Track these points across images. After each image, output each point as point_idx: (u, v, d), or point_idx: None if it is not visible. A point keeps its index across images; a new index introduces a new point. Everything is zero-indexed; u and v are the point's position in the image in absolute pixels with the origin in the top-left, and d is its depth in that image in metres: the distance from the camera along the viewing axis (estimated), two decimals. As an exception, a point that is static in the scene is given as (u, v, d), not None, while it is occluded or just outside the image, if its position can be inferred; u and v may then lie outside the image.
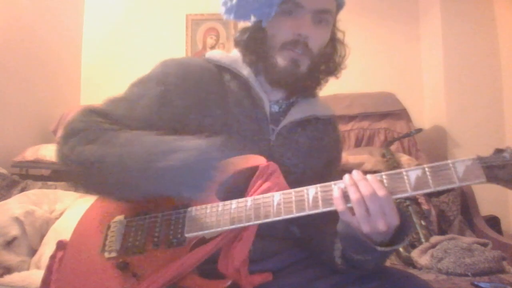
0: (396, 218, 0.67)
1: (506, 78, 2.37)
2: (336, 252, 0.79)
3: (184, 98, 0.85)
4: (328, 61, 0.92)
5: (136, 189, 0.71)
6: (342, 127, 2.35)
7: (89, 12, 2.91)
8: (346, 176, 0.70)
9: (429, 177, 0.67)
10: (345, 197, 0.68)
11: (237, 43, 0.94)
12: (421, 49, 2.72)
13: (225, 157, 0.72)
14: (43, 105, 2.51)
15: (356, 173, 0.69)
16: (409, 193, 0.67)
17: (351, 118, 2.41)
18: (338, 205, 0.68)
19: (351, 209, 0.68)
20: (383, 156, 2.10)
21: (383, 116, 2.41)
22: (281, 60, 0.86)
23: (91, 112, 0.81)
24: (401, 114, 2.42)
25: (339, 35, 0.96)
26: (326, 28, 0.89)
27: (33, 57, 2.41)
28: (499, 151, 0.67)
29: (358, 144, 2.37)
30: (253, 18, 0.90)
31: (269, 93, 0.92)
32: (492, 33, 2.42)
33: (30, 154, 2.15)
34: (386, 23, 2.72)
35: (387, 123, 2.38)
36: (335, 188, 0.69)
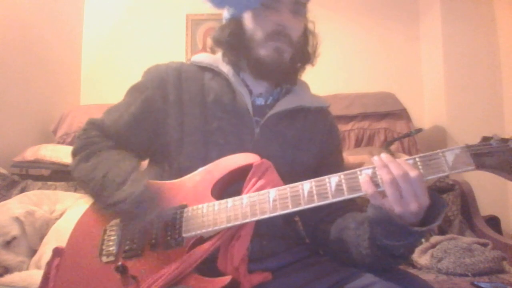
0: (427, 198, 0.68)
1: (506, 78, 2.37)
2: (364, 243, 0.76)
3: (163, 101, 0.92)
4: (303, 50, 0.97)
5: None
6: (342, 127, 2.36)
7: (89, 12, 2.91)
8: (376, 158, 0.71)
9: (420, 167, 0.69)
10: (373, 181, 0.70)
11: (217, 42, 0.97)
12: (421, 49, 2.72)
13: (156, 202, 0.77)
14: (43, 105, 2.51)
15: (385, 156, 0.71)
16: None
17: (351, 118, 2.41)
18: (368, 189, 0.69)
19: (380, 193, 0.69)
20: (383, 156, 2.10)
21: (383, 116, 2.41)
22: (264, 52, 0.90)
23: (92, 125, 0.94)
24: (401, 114, 2.42)
25: (310, 25, 1.00)
26: (302, 19, 0.94)
27: (33, 57, 2.41)
28: (486, 139, 0.69)
29: (358, 144, 2.36)
30: (227, 14, 0.94)
31: (252, 87, 0.95)
32: (492, 33, 2.42)
33: (30, 154, 2.15)
34: (386, 23, 2.72)
35: (387, 123, 2.38)
36: (361, 174, 0.71)
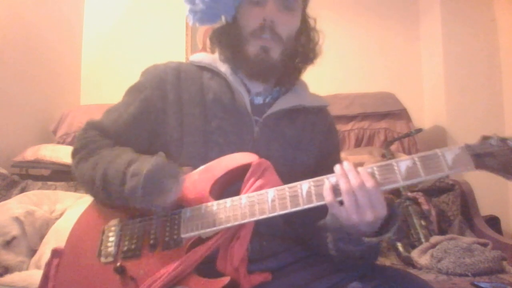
0: (383, 209, 0.69)
1: (506, 78, 2.37)
2: (329, 245, 0.81)
3: (162, 101, 0.92)
4: (304, 49, 0.96)
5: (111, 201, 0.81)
6: (342, 127, 2.36)
7: (89, 12, 2.91)
8: (337, 167, 0.72)
9: (419, 167, 0.68)
10: (335, 189, 0.70)
11: (212, 41, 0.98)
12: (421, 49, 2.72)
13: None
14: (43, 105, 2.51)
15: (346, 164, 0.71)
16: (401, 183, 0.69)
17: (351, 118, 2.40)
18: (327, 197, 0.70)
19: (340, 201, 0.70)
20: (383, 156, 2.10)
21: (383, 116, 2.41)
22: (251, 49, 0.90)
23: (91, 125, 0.93)
24: (401, 114, 2.42)
25: (311, 22, 0.99)
26: (293, 14, 0.93)
27: (33, 57, 2.41)
28: (485, 138, 0.68)
29: (358, 144, 2.36)
30: (223, 19, 0.93)
31: (250, 86, 0.95)
32: (492, 33, 2.42)
33: (30, 154, 2.15)
34: (386, 23, 2.72)
35: (387, 123, 2.38)
36: (326, 181, 0.71)
